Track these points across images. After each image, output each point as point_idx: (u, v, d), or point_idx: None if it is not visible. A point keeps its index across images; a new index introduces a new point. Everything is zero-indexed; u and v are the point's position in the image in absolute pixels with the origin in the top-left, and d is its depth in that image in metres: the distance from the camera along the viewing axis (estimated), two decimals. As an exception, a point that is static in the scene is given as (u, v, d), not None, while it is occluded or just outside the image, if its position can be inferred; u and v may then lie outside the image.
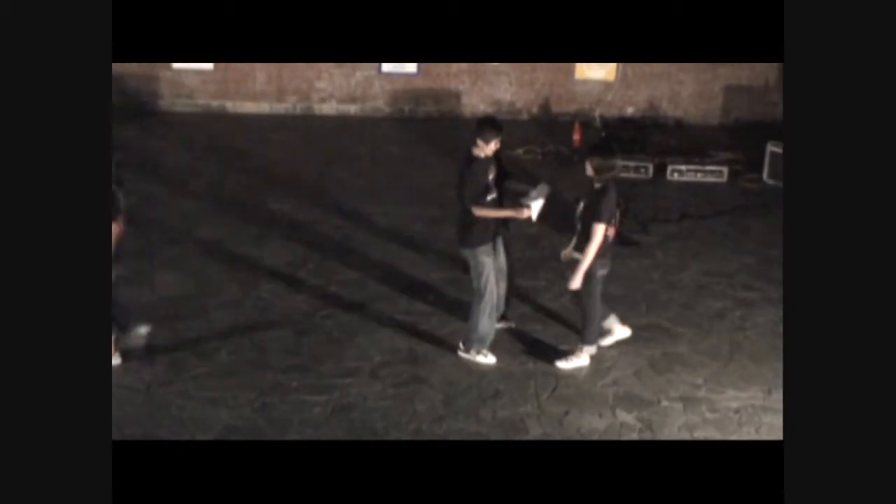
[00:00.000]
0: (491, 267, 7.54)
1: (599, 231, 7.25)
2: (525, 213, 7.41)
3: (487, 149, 7.41)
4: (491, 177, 7.47)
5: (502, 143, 7.56)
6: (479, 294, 7.59)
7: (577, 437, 6.88)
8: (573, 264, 7.44)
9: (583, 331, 7.65)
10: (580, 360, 7.63)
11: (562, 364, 7.60)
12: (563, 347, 7.83)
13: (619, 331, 8.00)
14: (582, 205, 7.43)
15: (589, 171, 7.37)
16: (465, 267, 7.89)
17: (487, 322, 7.65)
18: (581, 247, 7.36)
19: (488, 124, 7.51)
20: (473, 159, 7.44)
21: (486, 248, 7.52)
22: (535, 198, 7.43)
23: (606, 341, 7.91)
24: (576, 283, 7.39)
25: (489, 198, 7.46)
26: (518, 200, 7.50)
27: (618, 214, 7.54)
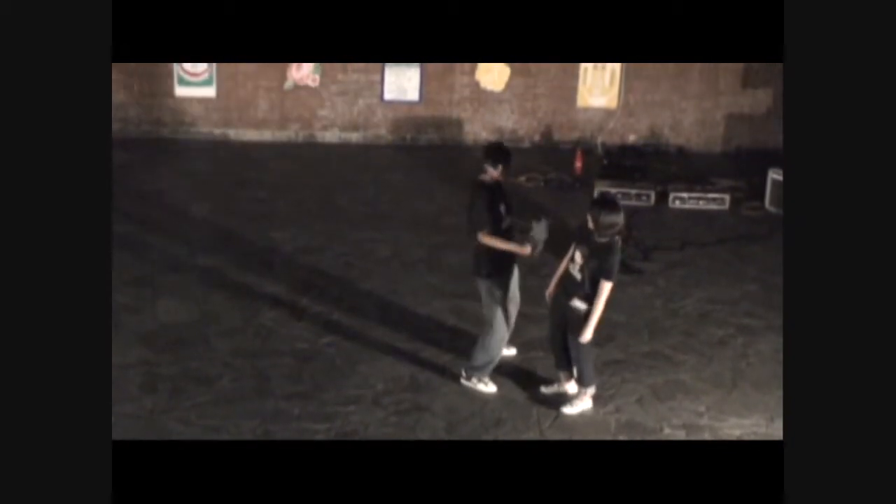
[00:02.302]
0: (504, 300, 7.43)
1: (608, 289, 7.08)
2: (526, 251, 7.23)
3: (492, 173, 7.29)
4: (502, 206, 7.33)
5: (507, 170, 7.37)
6: (489, 325, 7.49)
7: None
8: (571, 310, 7.25)
9: (580, 374, 7.54)
10: (584, 403, 7.52)
11: (567, 410, 7.47)
12: (564, 389, 7.72)
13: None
14: (580, 255, 7.17)
15: (590, 224, 7.09)
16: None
17: (493, 353, 7.57)
18: (582, 296, 7.17)
19: (490, 150, 7.42)
20: (480, 185, 7.32)
21: (501, 280, 7.40)
22: (540, 234, 7.26)
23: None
24: (587, 336, 7.20)
25: (503, 226, 7.31)
26: (524, 235, 7.32)
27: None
